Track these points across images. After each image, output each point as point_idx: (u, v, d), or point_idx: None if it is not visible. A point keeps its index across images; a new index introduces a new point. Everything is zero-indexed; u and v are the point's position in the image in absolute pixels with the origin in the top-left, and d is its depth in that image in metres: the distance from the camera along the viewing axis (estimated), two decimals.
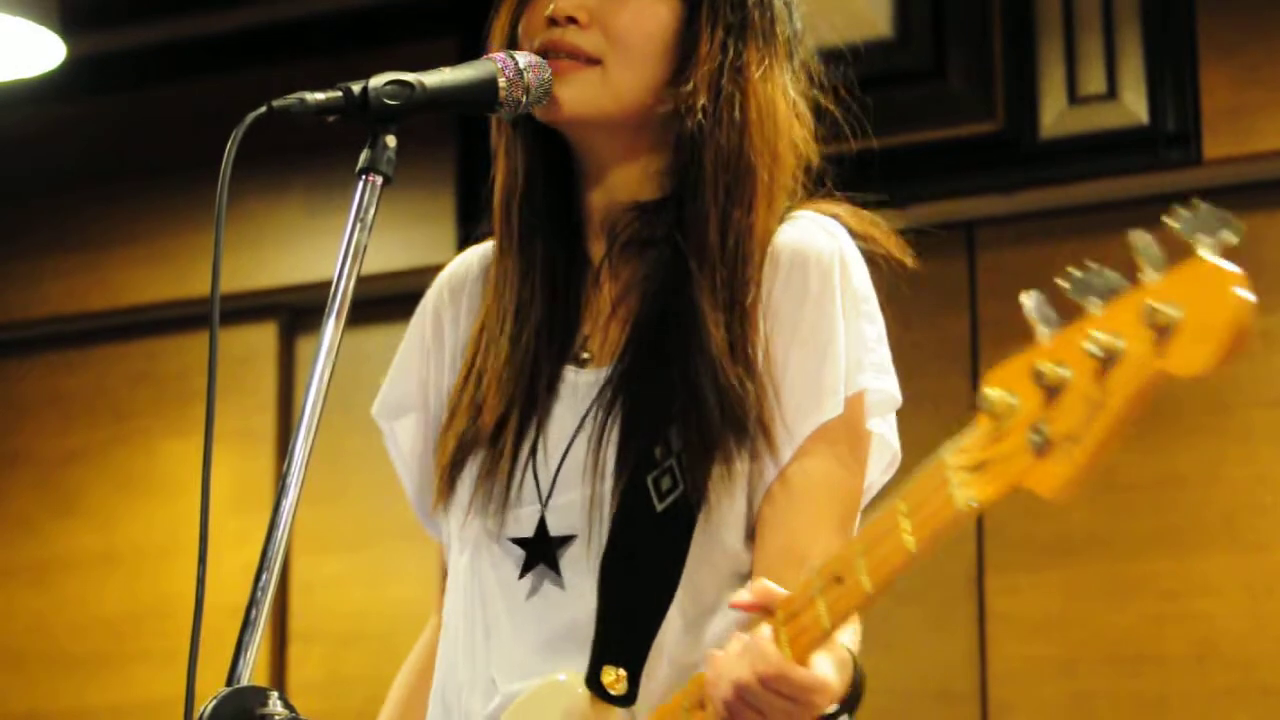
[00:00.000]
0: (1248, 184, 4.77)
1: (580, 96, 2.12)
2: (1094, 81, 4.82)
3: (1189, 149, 4.73)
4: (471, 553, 2.18)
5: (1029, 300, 1.58)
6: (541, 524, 2.12)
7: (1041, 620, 4.81)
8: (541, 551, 2.12)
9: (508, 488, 2.14)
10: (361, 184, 1.95)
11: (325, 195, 5.46)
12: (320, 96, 1.93)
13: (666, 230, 2.13)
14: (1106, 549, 4.77)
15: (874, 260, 2.17)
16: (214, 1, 5.61)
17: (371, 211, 1.94)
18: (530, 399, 2.15)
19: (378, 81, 1.96)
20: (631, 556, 2.07)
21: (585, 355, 2.18)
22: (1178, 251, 1.47)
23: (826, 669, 1.84)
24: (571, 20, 2.12)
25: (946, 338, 4.91)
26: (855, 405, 2.10)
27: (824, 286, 2.09)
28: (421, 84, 1.98)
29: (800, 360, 2.08)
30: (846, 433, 2.09)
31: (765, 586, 1.84)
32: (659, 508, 2.06)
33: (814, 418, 2.07)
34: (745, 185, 2.13)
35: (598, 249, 2.20)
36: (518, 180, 2.21)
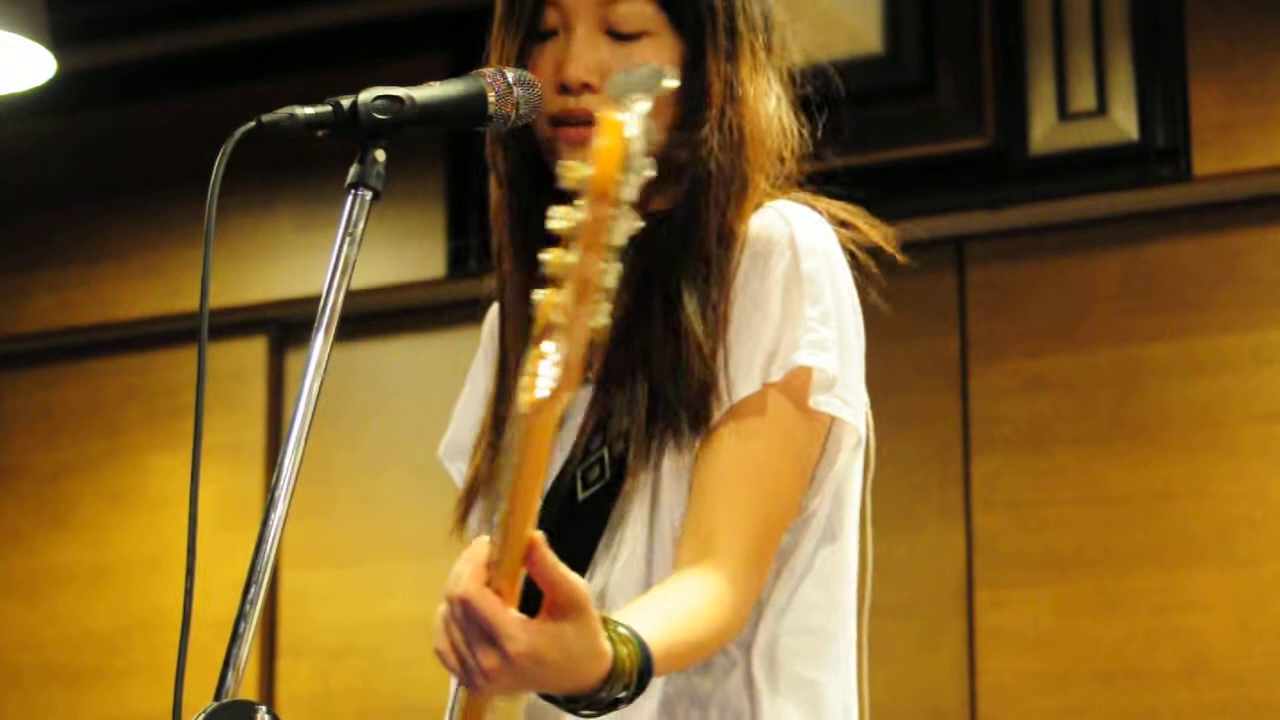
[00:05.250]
0: (1237, 200, 4.78)
1: None
2: (1084, 97, 4.82)
3: (1179, 165, 4.73)
4: None
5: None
6: None
7: (1032, 636, 4.81)
8: None
9: None
10: (351, 198, 1.95)
11: (315, 210, 5.46)
12: (310, 111, 1.94)
13: (662, 239, 2.07)
14: (1097, 564, 4.77)
15: (862, 268, 2.13)
16: (203, 17, 5.61)
17: (361, 226, 1.94)
18: None
19: (367, 96, 1.96)
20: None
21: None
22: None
23: (556, 632, 1.60)
24: (586, 86, 2.06)
25: (936, 354, 4.90)
26: (794, 383, 2.01)
27: (765, 270, 2.04)
28: (411, 99, 1.98)
29: (735, 346, 2.03)
30: (777, 411, 2.01)
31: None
32: (580, 497, 2.02)
33: (731, 398, 2.00)
34: (741, 195, 2.08)
35: None
36: (513, 196, 2.17)
